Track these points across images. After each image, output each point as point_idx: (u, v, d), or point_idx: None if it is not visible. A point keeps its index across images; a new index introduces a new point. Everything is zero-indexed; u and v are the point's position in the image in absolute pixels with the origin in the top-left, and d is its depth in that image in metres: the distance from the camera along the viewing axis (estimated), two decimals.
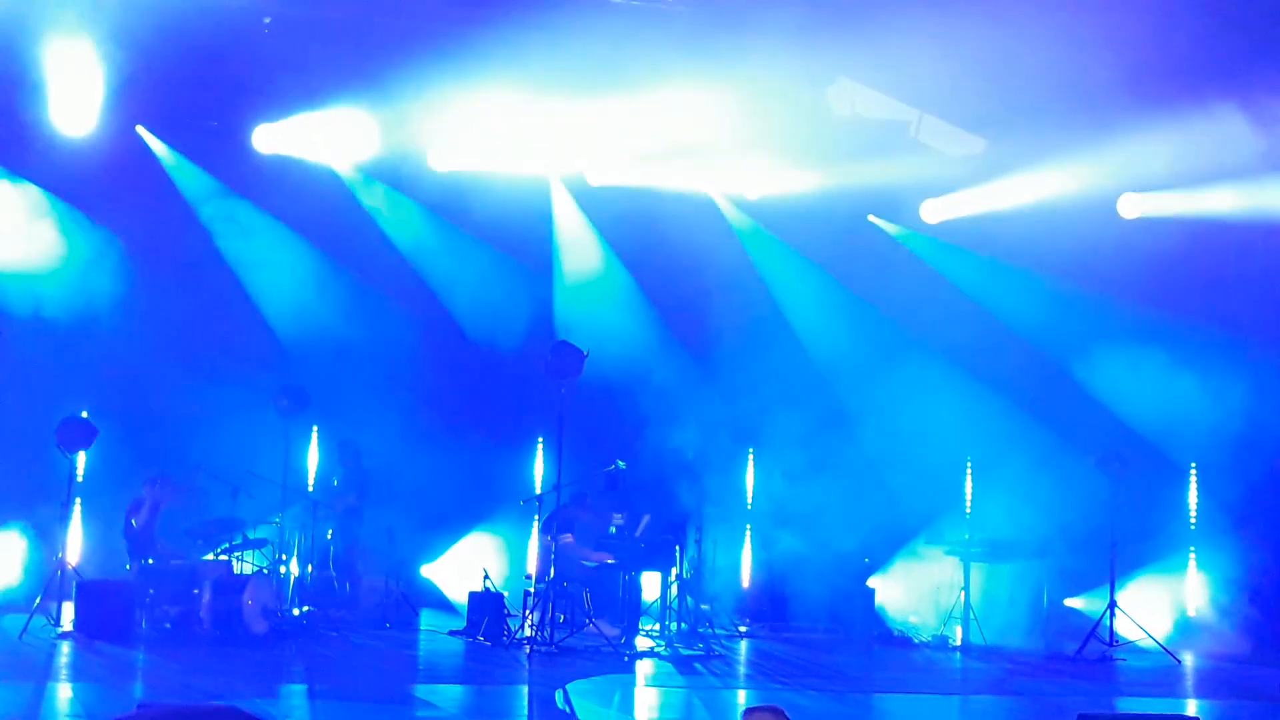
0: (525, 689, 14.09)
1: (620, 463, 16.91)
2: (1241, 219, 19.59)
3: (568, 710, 12.98)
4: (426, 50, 18.04)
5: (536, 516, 17.13)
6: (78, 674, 13.86)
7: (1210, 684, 16.41)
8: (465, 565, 18.90)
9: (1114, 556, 17.55)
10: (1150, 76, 17.47)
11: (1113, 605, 17.46)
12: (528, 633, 16.08)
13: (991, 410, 20.26)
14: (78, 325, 18.61)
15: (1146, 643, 17.56)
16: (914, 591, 19.30)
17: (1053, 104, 18.64)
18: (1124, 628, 17.59)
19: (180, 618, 15.72)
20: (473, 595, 17.14)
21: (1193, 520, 19.72)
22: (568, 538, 17.27)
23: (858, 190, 20.47)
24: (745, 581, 20.37)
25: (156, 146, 19.19)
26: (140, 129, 19.17)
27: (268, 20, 18.04)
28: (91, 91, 18.08)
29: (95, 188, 18.64)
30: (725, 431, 19.46)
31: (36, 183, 18.55)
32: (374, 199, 19.94)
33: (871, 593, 18.79)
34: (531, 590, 16.77)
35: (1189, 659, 17.80)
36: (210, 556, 16.28)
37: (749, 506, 20.54)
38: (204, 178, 19.31)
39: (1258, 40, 17.21)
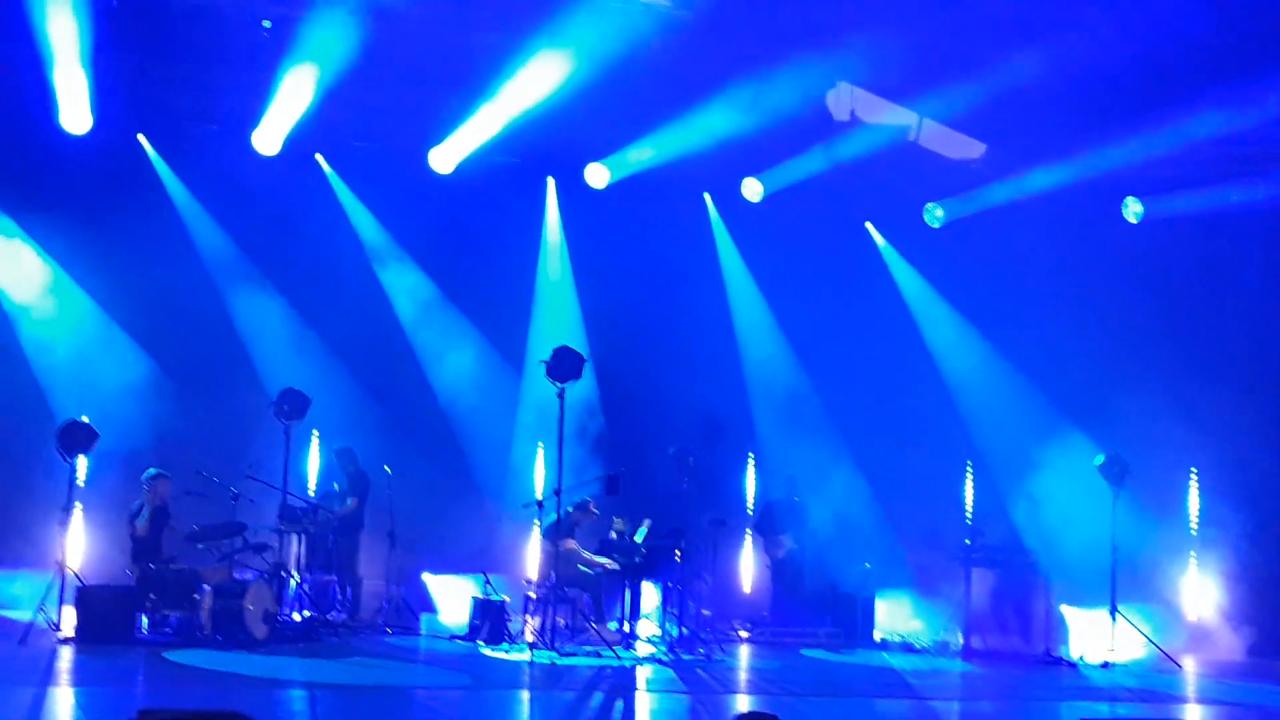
0: (525, 694, 14.09)
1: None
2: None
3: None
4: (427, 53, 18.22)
5: (537, 521, 17.12)
6: (79, 679, 13.83)
7: (1210, 690, 16.40)
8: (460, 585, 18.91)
9: (1115, 561, 17.54)
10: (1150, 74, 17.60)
11: (1114, 610, 17.45)
12: (529, 638, 16.06)
13: (993, 414, 20.35)
14: (76, 333, 18.74)
15: (1148, 648, 17.55)
16: (915, 596, 19.33)
17: (1053, 106, 18.73)
18: (1125, 633, 17.57)
19: (181, 622, 15.71)
20: (475, 601, 17.15)
21: (1194, 526, 19.74)
22: (569, 543, 17.27)
23: (858, 195, 20.58)
24: (746, 587, 20.38)
25: (153, 152, 19.28)
26: (140, 137, 19.24)
27: (267, 24, 18.05)
28: (84, 94, 18.11)
29: (90, 191, 18.71)
30: (726, 436, 19.50)
31: (31, 185, 18.67)
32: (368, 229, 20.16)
33: (872, 598, 18.77)
34: (532, 595, 16.78)
35: (1190, 664, 17.79)
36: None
37: (750, 511, 20.56)
38: (201, 183, 19.45)
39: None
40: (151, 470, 16.72)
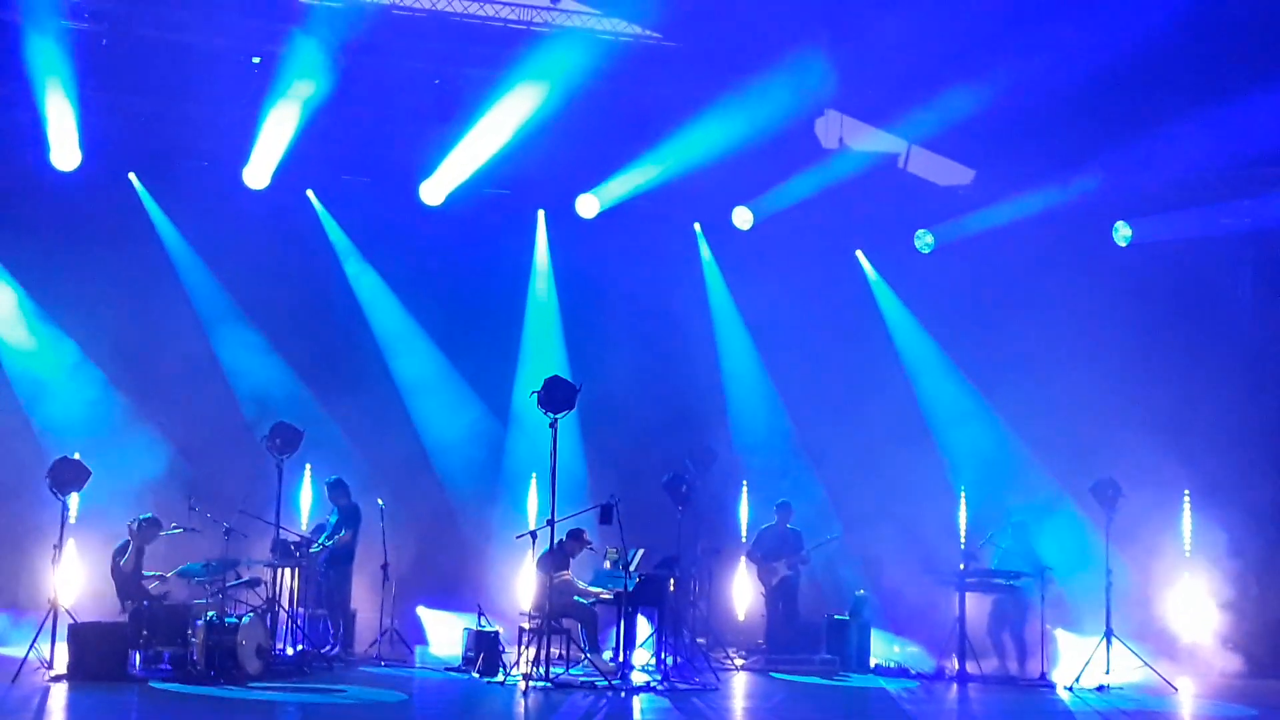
0: None
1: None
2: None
3: None
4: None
5: (531, 552, 17.08)
6: (71, 717, 13.76)
7: (1205, 712, 16.36)
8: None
9: (1109, 584, 17.51)
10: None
11: (1109, 633, 17.42)
12: (523, 669, 16.01)
13: (986, 439, 20.35)
14: (64, 369, 18.75)
15: (1142, 671, 17.50)
16: (910, 622, 19.29)
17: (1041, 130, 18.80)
18: (1120, 656, 17.53)
19: (174, 659, 15.65)
20: (468, 632, 17.11)
21: (1187, 548, 19.73)
22: (564, 574, 17.23)
23: (847, 222, 20.63)
24: (740, 614, 20.34)
25: (142, 188, 19.33)
26: (131, 176, 19.29)
27: (257, 60, 18.15)
28: (73, 130, 18.15)
29: (79, 227, 18.76)
30: (718, 461, 19.49)
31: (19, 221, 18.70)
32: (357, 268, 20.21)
33: (868, 624, 18.72)
34: (527, 626, 16.73)
35: (1185, 687, 17.74)
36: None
37: (744, 539, 20.53)
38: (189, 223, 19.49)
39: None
40: (145, 515, 16.70)
